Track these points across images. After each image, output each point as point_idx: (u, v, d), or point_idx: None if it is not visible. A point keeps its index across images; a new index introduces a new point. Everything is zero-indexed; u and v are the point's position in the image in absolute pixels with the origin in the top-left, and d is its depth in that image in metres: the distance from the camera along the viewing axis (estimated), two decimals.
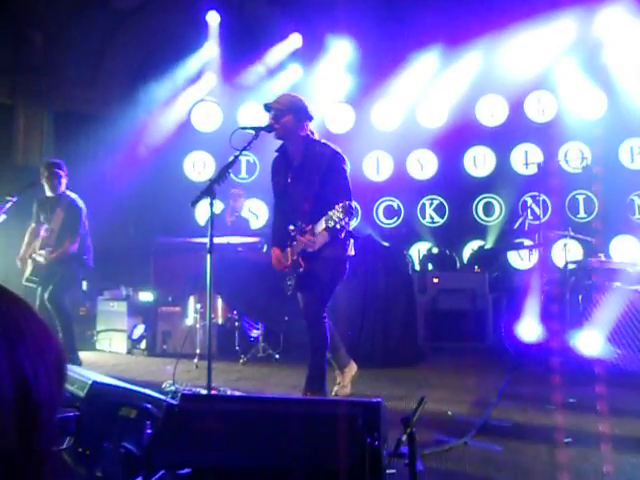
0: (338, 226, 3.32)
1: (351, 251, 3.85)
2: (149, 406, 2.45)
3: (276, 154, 3.91)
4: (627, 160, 7.66)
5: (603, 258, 5.77)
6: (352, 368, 4.13)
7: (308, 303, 3.73)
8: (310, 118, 3.79)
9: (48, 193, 5.30)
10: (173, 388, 3.71)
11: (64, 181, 5.30)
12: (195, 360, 5.40)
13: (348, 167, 3.77)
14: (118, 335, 6.50)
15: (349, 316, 5.48)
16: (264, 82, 8.33)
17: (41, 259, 5.21)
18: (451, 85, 7.99)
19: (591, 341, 5.05)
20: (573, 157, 7.33)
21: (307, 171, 3.68)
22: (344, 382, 4.09)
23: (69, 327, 5.29)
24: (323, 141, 3.82)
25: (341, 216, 3.30)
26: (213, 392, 3.31)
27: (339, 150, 3.78)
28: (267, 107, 3.72)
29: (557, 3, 6.85)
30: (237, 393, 3.48)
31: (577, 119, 7.64)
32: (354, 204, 3.67)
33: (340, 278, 3.82)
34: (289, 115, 3.66)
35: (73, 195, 5.36)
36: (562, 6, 6.93)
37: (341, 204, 3.31)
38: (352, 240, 3.87)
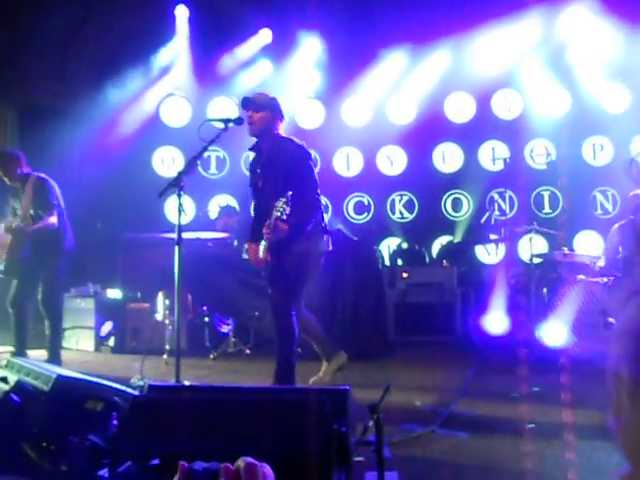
0: (284, 217, 3.38)
1: (323, 247, 3.87)
2: (116, 399, 2.43)
3: (251, 153, 3.95)
4: (590, 157, 7.86)
5: (567, 252, 5.92)
6: (339, 359, 4.18)
7: (274, 297, 3.74)
8: (282, 118, 3.83)
9: (9, 183, 5.08)
10: (141, 383, 3.67)
11: (22, 167, 5.04)
12: (164, 356, 5.35)
13: (315, 161, 3.82)
14: (85, 333, 6.40)
15: (319, 310, 5.49)
16: (234, 77, 8.29)
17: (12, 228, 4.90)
18: (420, 82, 8.08)
19: (555, 332, 5.18)
20: (538, 154, 7.49)
21: (274, 168, 3.72)
22: (324, 373, 4.14)
23: (60, 327, 5.12)
24: (288, 137, 3.85)
25: (284, 207, 3.36)
26: None
27: (304, 145, 3.81)
28: (245, 101, 3.73)
29: (522, 3, 6.98)
30: None
31: (542, 117, 7.82)
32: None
33: (308, 273, 3.82)
34: (267, 112, 3.69)
35: (42, 174, 5.12)
36: (527, 6, 7.06)
37: (284, 197, 3.35)
38: (326, 236, 3.90)
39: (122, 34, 8.16)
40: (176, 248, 3.25)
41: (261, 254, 3.72)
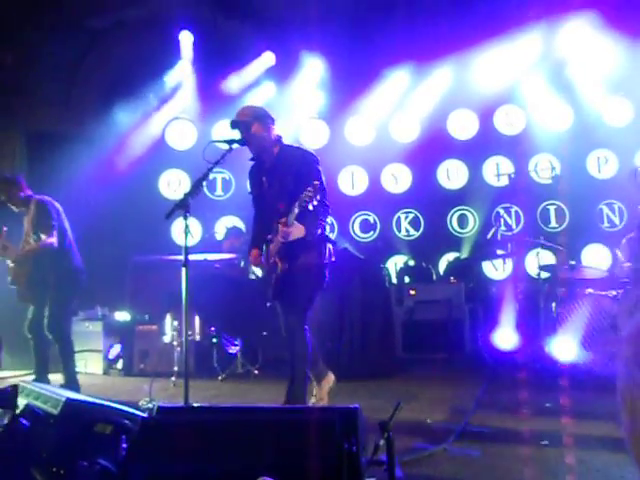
0: (310, 207, 3.32)
1: (328, 257, 3.78)
2: (125, 421, 2.43)
3: (251, 162, 3.92)
4: (595, 170, 7.86)
5: (573, 266, 5.89)
6: (329, 380, 4.10)
7: (286, 313, 3.70)
8: (273, 120, 3.81)
9: (15, 209, 5.10)
10: (150, 405, 3.66)
11: (24, 191, 5.06)
12: (173, 378, 5.33)
13: (321, 169, 3.77)
14: (94, 356, 6.39)
15: (327, 329, 5.49)
16: (238, 99, 8.38)
17: (12, 257, 4.88)
18: (422, 100, 8.15)
19: (565, 347, 5.13)
20: (543, 168, 7.49)
21: (280, 172, 3.67)
22: (320, 394, 4.06)
23: (70, 351, 4.99)
24: (296, 145, 3.86)
25: (311, 194, 3.30)
26: None
27: (312, 151, 3.82)
28: (234, 123, 3.73)
29: (522, 20, 7.05)
30: None
31: (545, 131, 7.84)
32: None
33: (319, 286, 3.75)
34: (256, 123, 3.69)
35: (45, 197, 5.07)
36: (527, 22, 7.13)
37: (311, 187, 3.30)
38: (330, 245, 3.85)
39: (128, 60, 8.29)
40: (183, 270, 3.25)
41: (270, 258, 3.66)
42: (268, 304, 3.81)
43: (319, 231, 3.60)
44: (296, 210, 3.40)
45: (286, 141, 3.89)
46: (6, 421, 2.50)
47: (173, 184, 8.41)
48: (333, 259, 3.85)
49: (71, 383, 4.80)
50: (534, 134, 7.86)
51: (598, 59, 7.45)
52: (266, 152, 3.78)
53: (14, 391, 2.35)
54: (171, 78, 8.42)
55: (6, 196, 5.00)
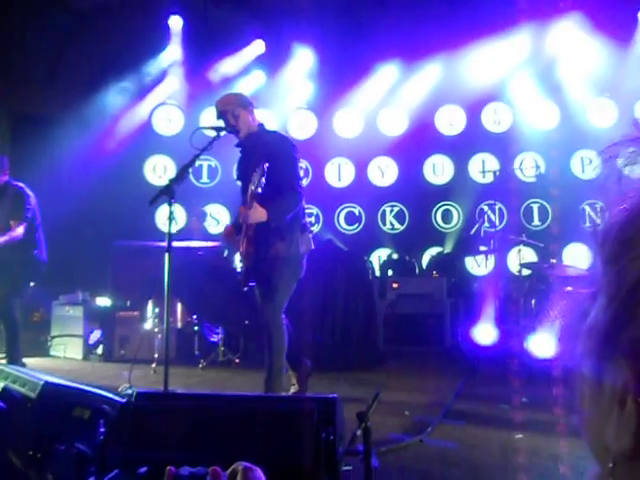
0: (259, 190, 3.31)
1: (306, 246, 3.74)
2: (104, 406, 2.42)
3: (238, 149, 3.88)
4: (578, 170, 7.95)
5: (555, 262, 5.97)
6: (306, 367, 4.09)
7: (262, 302, 3.69)
8: (253, 106, 3.80)
9: None
10: (129, 392, 3.64)
11: (3, 170, 5.04)
12: (153, 365, 5.32)
13: (306, 171, 3.79)
14: (74, 341, 6.35)
15: (309, 319, 5.49)
16: (226, 87, 8.32)
17: None
18: (411, 94, 8.16)
19: (544, 343, 5.21)
20: (528, 166, 7.57)
21: (254, 155, 3.63)
22: (297, 381, 4.08)
23: (18, 335, 5.06)
24: (272, 129, 3.83)
25: (259, 178, 3.31)
26: None
27: (291, 137, 3.79)
28: (221, 113, 3.70)
29: (512, 19, 7.08)
30: None
31: (531, 130, 7.90)
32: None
33: (294, 276, 3.71)
34: (241, 110, 3.68)
35: (20, 184, 5.15)
36: (517, 22, 7.17)
37: (258, 168, 3.31)
38: (308, 235, 3.80)
39: (115, 43, 8.18)
40: (166, 256, 3.24)
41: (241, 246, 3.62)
42: (245, 289, 3.76)
43: (287, 217, 3.54)
44: (251, 187, 3.36)
45: (269, 128, 3.87)
46: None
47: (158, 170, 8.35)
48: (312, 247, 3.82)
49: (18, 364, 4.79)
50: (520, 132, 7.92)
51: (585, 60, 7.52)
52: (248, 137, 3.76)
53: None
54: (159, 63, 8.34)
55: None
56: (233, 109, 3.65)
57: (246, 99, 3.80)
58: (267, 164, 3.31)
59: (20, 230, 4.90)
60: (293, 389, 4.04)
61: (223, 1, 8.30)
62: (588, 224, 7.84)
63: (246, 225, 3.52)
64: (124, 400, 2.50)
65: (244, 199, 3.68)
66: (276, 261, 3.58)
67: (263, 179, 3.29)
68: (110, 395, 2.57)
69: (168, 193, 3.17)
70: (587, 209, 7.88)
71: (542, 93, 7.88)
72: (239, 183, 3.85)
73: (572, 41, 7.40)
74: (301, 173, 3.73)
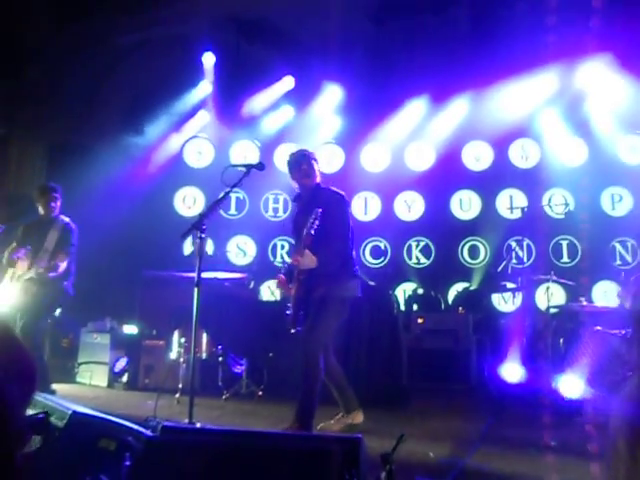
0: (312, 231, 3.57)
1: (353, 291, 3.97)
2: (129, 438, 2.45)
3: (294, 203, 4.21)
4: (609, 207, 7.86)
5: (584, 302, 5.87)
6: (357, 417, 4.15)
7: (304, 340, 3.79)
8: (317, 162, 4.18)
9: (42, 213, 5.32)
10: (154, 423, 3.67)
11: (59, 204, 5.36)
12: (177, 395, 5.34)
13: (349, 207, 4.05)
14: (100, 368, 6.43)
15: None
16: (256, 121, 8.52)
17: (31, 274, 5.10)
18: (438, 129, 8.22)
19: (572, 384, 5.09)
20: (557, 203, 7.51)
21: (309, 208, 3.85)
22: (337, 419, 4.10)
23: (42, 361, 5.17)
24: (328, 187, 4.09)
25: (313, 221, 3.60)
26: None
27: (343, 194, 4.03)
28: (292, 163, 4.09)
29: (541, 58, 7.13)
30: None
31: (560, 166, 7.87)
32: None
33: (336, 317, 3.91)
34: (304, 165, 4.05)
35: (67, 218, 5.40)
36: (546, 60, 7.21)
37: (313, 214, 3.59)
38: (357, 281, 4.01)
39: (151, 77, 8.48)
40: (195, 289, 3.30)
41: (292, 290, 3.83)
42: (292, 331, 3.89)
43: (336, 264, 3.77)
44: (305, 234, 3.53)
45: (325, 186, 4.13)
46: (39, 445, 2.51)
47: (188, 201, 8.51)
48: (358, 294, 3.98)
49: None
50: (549, 168, 7.88)
51: (613, 98, 7.50)
52: (306, 193, 4.05)
53: (46, 417, 2.38)
54: (192, 97, 8.59)
55: (47, 201, 5.28)
56: (304, 162, 3.85)
57: (310, 156, 4.12)
58: (320, 210, 3.50)
59: (64, 265, 5.17)
60: (323, 423, 4.04)
61: (256, 39, 8.56)
62: (618, 262, 7.71)
63: (297, 270, 3.67)
64: (149, 432, 2.53)
65: (296, 249, 3.86)
66: (322, 303, 3.70)
67: (317, 222, 3.48)
68: (135, 427, 2.60)
69: (198, 228, 3.25)
70: (617, 246, 7.75)
71: (570, 129, 7.87)
72: (293, 239, 4.11)
73: (600, 79, 7.40)
74: (351, 223, 3.98)
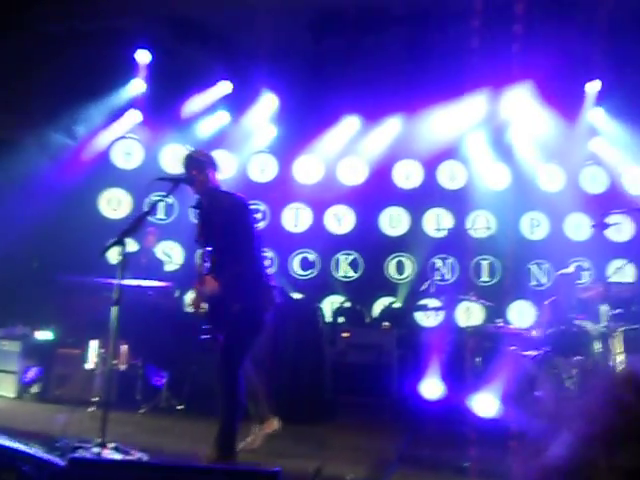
0: (205, 271, 3.49)
1: (267, 301, 3.83)
2: (31, 468, 2.30)
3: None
4: (527, 231, 8.25)
5: (501, 323, 6.13)
6: (272, 425, 4.10)
7: (220, 358, 3.66)
8: (217, 168, 3.88)
9: None
10: (63, 444, 3.49)
11: None
12: (91, 409, 5.11)
13: (263, 214, 3.92)
14: (7, 377, 6.05)
15: (256, 368, 5.43)
16: (190, 125, 8.34)
17: None
18: (371, 146, 8.36)
19: (487, 403, 5.29)
20: (480, 224, 7.85)
21: (209, 221, 3.73)
22: (255, 434, 4.04)
23: None
24: (227, 191, 3.89)
25: (201, 262, 3.55)
26: (105, 450, 3.15)
27: (243, 198, 3.83)
28: (186, 166, 3.77)
29: (470, 83, 7.41)
30: (132, 451, 3.32)
31: (484, 189, 8.19)
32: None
33: (253, 331, 3.77)
34: (204, 168, 3.74)
35: None
36: (474, 86, 7.51)
37: (202, 251, 3.53)
38: (270, 289, 3.88)
39: (80, 71, 8.10)
40: (115, 307, 3.17)
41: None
42: (204, 340, 3.76)
43: (241, 279, 3.63)
44: (204, 263, 3.49)
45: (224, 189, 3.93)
46: None
47: (113, 203, 8.21)
48: (274, 303, 3.91)
49: None
50: (474, 191, 8.20)
51: (535, 127, 7.90)
52: (204, 197, 3.83)
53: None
54: (123, 95, 8.29)
55: None
56: (198, 164, 3.71)
57: (212, 160, 3.84)
58: (210, 248, 3.42)
59: None
60: (248, 439, 3.98)
61: (194, 40, 8.37)
62: (534, 283, 8.11)
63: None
64: (55, 459, 2.40)
65: (203, 260, 3.75)
66: (235, 323, 3.61)
67: (206, 264, 3.39)
68: (39, 453, 2.45)
69: (120, 244, 3.13)
70: (533, 268, 8.15)
71: (495, 154, 8.21)
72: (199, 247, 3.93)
73: (524, 108, 7.77)
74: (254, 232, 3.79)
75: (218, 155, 8.24)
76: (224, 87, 8.38)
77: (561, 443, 0.50)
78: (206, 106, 8.36)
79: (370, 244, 8.37)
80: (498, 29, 6.70)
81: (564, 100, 7.64)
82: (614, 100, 7.54)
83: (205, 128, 8.39)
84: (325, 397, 6.21)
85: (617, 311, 5.39)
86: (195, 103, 8.31)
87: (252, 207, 4.01)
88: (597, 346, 5.35)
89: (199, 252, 3.98)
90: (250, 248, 3.71)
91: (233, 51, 8.33)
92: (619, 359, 5.23)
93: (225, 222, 3.64)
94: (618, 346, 5.28)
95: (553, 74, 7.35)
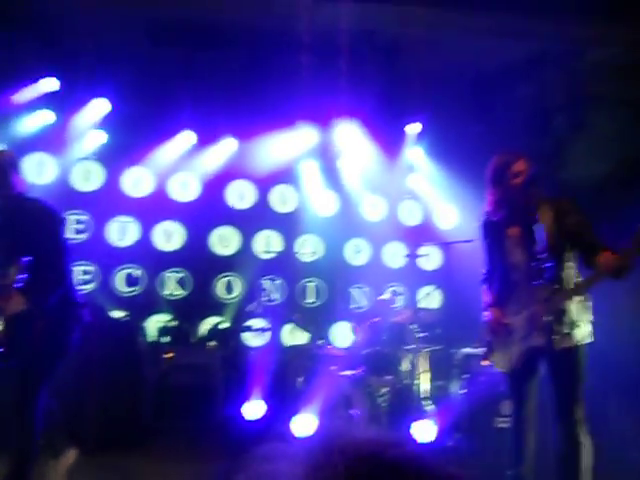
0: (18, 285, 3.17)
1: (76, 320, 3.51)
2: None
3: None
4: (351, 256, 8.78)
5: (322, 343, 6.44)
6: (69, 457, 3.74)
7: (14, 387, 3.28)
8: (19, 172, 3.51)
9: None
10: None
11: None
12: None
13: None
14: None
15: (62, 393, 5.01)
16: (6, 121, 7.52)
17: None
18: (205, 164, 8.29)
19: (306, 423, 5.48)
20: (307, 248, 8.20)
21: (10, 230, 3.37)
22: (56, 473, 3.68)
23: None
24: (34, 197, 3.52)
25: (15, 276, 3.16)
26: None
27: (51, 205, 3.50)
28: None
29: (303, 112, 7.77)
30: None
31: (313, 215, 8.57)
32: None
33: (56, 356, 3.45)
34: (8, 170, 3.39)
35: None
36: (306, 118, 7.88)
37: (15, 264, 3.15)
38: (80, 307, 3.56)
39: None
40: None
41: None
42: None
43: (49, 298, 3.32)
44: (6, 282, 3.15)
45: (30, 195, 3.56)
46: None
47: None
48: (86, 320, 3.60)
49: None
50: (304, 215, 8.53)
51: (362, 160, 8.50)
52: (6, 202, 3.43)
53: None
54: None
55: None
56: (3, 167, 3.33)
57: (13, 162, 3.47)
58: (27, 258, 3.09)
59: None
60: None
61: (20, 29, 7.57)
62: (354, 305, 8.64)
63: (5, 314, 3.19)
64: None
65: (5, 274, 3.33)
66: (30, 340, 3.24)
67: (22, 276, 3.06)
68: None
69: None
70: (354, 292, 8.68)
71: (326, 182, 8.64)
72: None
73: (351, 142, 8.32)
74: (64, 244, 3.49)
75: (37, 158, 7.67)
76: (49, 84, 7.72)
77: None
78: (26, 101, 7.62)
79: (199, 262, 8.25)
80: (328, 69, 7.15)
81: (387, 138, 8.34)
82: (430, 141, 8.40)
83: (24, 126, 7.63)
84: (142, 422, 5.93)
85: (424, 334, 5.96)
86: (15, 98, 7.53)
87: (62, 216, 3.60)
88: (406, 366, 5.86)
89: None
90: (60, 262, 3.40)
91: (63, 47, 7.72)
92: (423, 377, 5.79)
93: (32, 232, 3.31)
94: (423, 365, 5.85)
95: (377, 115, 8.01)
